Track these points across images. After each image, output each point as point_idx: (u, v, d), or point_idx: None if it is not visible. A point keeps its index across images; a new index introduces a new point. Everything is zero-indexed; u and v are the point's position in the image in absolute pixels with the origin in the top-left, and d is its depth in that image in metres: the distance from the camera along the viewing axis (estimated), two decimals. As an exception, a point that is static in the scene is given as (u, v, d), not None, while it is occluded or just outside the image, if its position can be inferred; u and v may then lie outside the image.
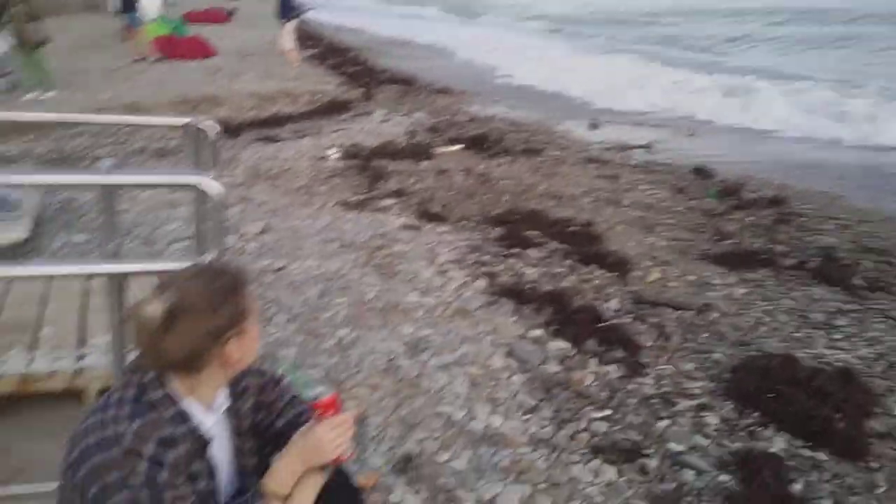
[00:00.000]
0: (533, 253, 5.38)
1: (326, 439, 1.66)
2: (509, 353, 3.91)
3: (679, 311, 4.50)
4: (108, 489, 1.42)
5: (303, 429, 1.71)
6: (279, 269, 4.92)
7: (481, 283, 4.80)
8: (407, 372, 3.67)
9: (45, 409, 3.10)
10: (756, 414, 3.41)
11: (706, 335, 4.23)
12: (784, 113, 12.01)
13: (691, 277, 5.07)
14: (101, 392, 2.70)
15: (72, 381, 3.09)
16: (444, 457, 3.03)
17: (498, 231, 5.84)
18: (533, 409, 3.41)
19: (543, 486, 2.88)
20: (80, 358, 3.19)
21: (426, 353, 3.87)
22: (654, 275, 5.08)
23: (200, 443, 1.57)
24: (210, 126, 3.00)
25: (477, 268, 5.06)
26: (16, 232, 4.79)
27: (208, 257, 2.23)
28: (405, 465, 2.95)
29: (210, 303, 1.53)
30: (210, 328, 1.53)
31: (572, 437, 3.21)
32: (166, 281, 1.56)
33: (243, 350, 1.61)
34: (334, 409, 1.71)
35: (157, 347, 1.51)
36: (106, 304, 2.21)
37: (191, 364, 1.55)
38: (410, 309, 4.38)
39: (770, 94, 13.29)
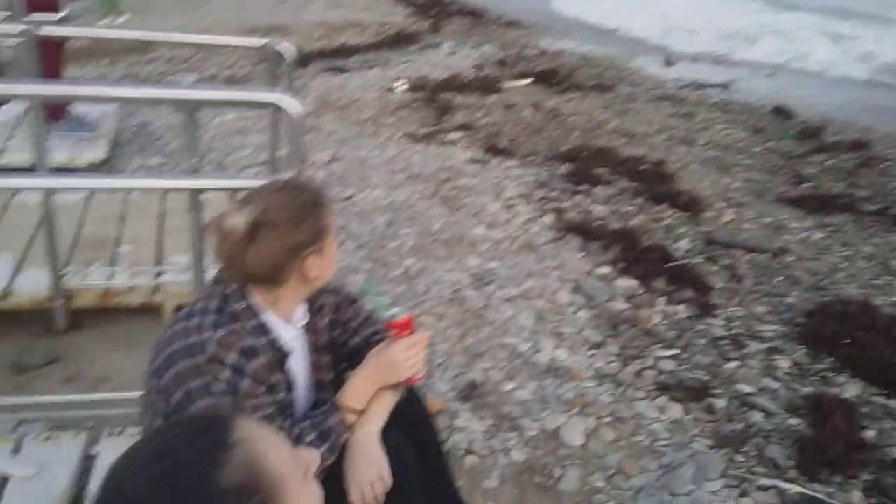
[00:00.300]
0: (602, 190, 5.27)
1: (401, 358, 1.67)
2: (576, 289, 3.88)
3: (752, 254, 4.38)
4: (191, 395, 1.46)
5: (378, 347, 1.73)
6: (348, 198, 4.95)
7: (548, 218, 4.74)
8: (472, 303, 3.68)
9: (124, 323, 3.22)
10: (830, 359, 3.33)
11: (780, 279, 4.11)
12: (869, 55, 11.37)
13: (767, 220, 4.91)
14: (178, 309, 2.78)
15: (150, 296, 3.19)
16: (509, 386, 3.05)
17: (566, 167, 5.73)
18: (599, 345, 3.39)
19: (608, 419, 2.88)
20: (158, 275, 3.28)
21: (492, 285, 3.87)
22: (728, 216, 4.94)
23: (280, 355, 1.60)
24: (287, 48, 2.98)
25: (544, 203, 5.00)
26: (94, 152, 4.89)
27: (287, 176, 2.23)
28: (470, 393, 2.98)
29: (292, 218, 1.54)
30: (291, 243, 1.54)
31: (638, 374, 3.19)
32: (250, 194, 1.57)
33: (321, 267, 1.62)
34: (409, 329, 1.72)
35: (239, 260, 1.53)
36: (182, 224, 2.25)
37: (271, 278, 1.57)
38: (476, 241, 4.37)
39: (855, 35, 12.59)
